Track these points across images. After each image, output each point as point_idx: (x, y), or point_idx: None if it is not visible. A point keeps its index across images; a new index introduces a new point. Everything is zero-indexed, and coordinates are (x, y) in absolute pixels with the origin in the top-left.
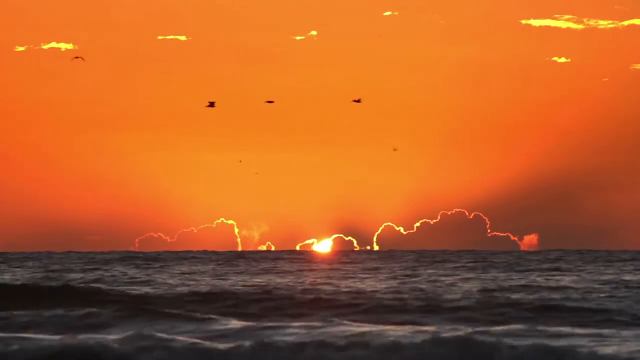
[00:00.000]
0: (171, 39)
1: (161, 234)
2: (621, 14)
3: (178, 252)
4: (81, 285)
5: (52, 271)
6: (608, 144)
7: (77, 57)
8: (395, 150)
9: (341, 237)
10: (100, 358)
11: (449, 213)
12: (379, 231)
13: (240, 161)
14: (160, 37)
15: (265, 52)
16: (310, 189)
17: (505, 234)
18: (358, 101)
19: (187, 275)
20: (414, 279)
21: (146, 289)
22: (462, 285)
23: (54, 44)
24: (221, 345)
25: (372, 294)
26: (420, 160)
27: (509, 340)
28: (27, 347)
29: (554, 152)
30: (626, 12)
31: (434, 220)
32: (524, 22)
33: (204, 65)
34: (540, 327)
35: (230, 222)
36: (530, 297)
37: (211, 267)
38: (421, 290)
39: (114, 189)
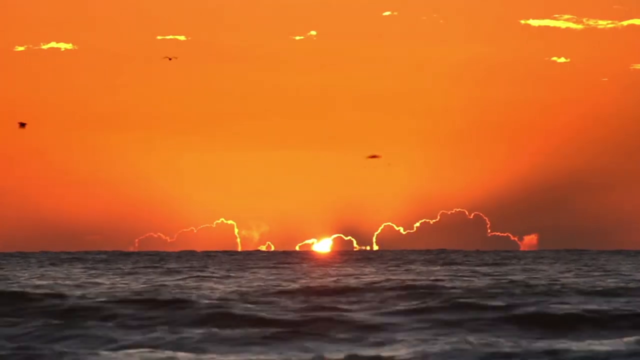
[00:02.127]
0: (170, 39)
1: (161, 234)
2: (620, 14)
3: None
4: None
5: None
6: (608, 144)
7: (170, 58)
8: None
9: (341, 237)
10: None
11: (449, 213)
12: (379, 231)
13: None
14: (159, 37)
15: (265, 52)
16: (310, 189)
17: (505, 234)
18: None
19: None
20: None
21: None
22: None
23: (53, 44)
24: None
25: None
26: (421, 161)
27: None
28: None
29: (554, 152)
30: (625, 12)
31: (434, 220)
32: (523, 22)
33: (203, 65)
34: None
35: (230, 222)
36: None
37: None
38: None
39: (114, 189)
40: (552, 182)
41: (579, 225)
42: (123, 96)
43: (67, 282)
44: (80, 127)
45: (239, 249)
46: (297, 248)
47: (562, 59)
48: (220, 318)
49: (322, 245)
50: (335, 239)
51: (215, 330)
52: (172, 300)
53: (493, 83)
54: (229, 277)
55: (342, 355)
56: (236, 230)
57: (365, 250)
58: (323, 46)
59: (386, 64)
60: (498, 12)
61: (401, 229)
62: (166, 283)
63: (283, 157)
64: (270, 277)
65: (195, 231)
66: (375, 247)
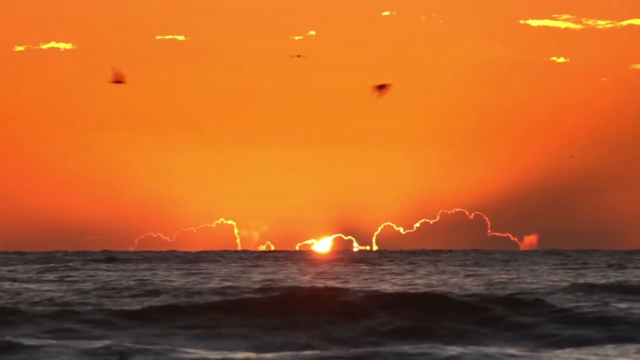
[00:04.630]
0: (170, 38)
1: (160, 234)
2: (620, 13)
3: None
4: None
5: None
6: (608, 144)
7: (299, 55)
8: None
9: (341, 237)
10: None
11: (449, 213)
12: (378, 231)
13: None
14: (158, 37)
15: (264, 52)
16: (310, 188)
17: (505, 234)
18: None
19: None
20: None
21: None
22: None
23: (53, 44)
24: None
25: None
26: (420, 161)
27: None
28: None
29: (554, 152)
30: (625, 12)
31: (434, 220)
32: (522, 22)
33: (202, 65)
34: None
35: (230, 222)
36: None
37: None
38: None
39: (113, 189)
40: (553, 183)
41: (580, 226)
42: (123, 96)
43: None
44: (82, 127)
45: (239, 249)
46: (297, 248)
47: (562, 59)
48: None
49: (322, 245)
50: (335, 238)
51: None
52: None
53: (492, 83)
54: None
55: None
56: (236, 230)
57: (365, 251)
58: (322, 46)
59: (385, 64)
60: (497, 12)
61: (401, 229)
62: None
63: (283, 156)
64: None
65: (194, 231)
66: (375, 247)
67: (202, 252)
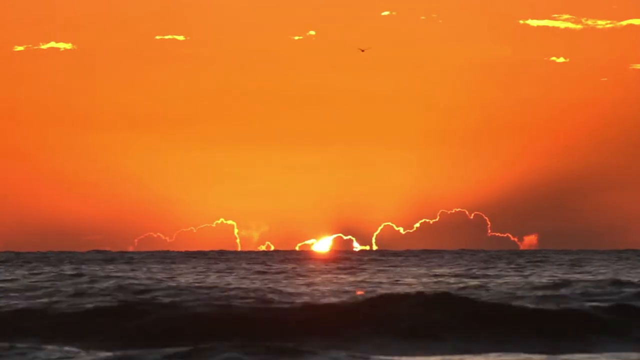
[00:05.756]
0: (169, 38)
1: (160, 234)
2: (619, 13)
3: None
4: None
5: None
6: (608, 144)
7: (363, 50)
8: None
9: (340, 237)
10: None
11: (449, 213)
12: (378, 231)
13: None
14: (158, 37)
15: (264, 52)
16: (310, 188)
17: (505, 235)
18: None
19: None
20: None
21: None
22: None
23: (52, 44)
24: None
25: None
26: (420, 161)
27: None
28: None
29: (554, 152)
30: (624, 12)
31: (434, 220)
32: (522, 22)
33: (202, 65)
34: None
35: (230, 222)
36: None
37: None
38: None
39: (113, 189)
40: (553, 183)
41: (580, 226)
42: (123, 96)
43: None
44: (82, 127)
45: (239, 249)
46: (297, 248)
47: (562, 59)
48: None
49: (322, 245)
50: (335, 238)
51: None
52: None
53: (491, 84)
54: None
55: None
56: (236, 231)
57: (366, 251)
58: (322, 46)
59: (383, 64)
60: (497, 12)
61: (401, 229)
62: None
63: (283, 156)
64: None
65: (194, 231)
66: (375, 247)
67: (188, 252)
